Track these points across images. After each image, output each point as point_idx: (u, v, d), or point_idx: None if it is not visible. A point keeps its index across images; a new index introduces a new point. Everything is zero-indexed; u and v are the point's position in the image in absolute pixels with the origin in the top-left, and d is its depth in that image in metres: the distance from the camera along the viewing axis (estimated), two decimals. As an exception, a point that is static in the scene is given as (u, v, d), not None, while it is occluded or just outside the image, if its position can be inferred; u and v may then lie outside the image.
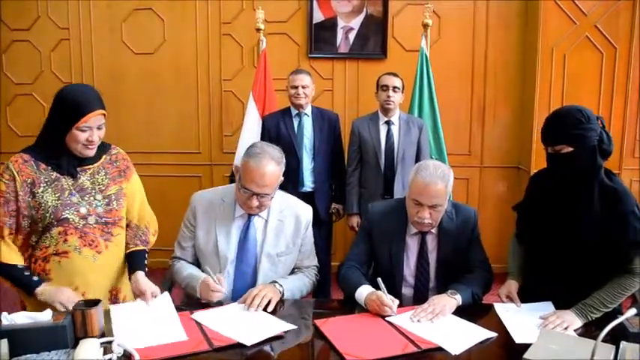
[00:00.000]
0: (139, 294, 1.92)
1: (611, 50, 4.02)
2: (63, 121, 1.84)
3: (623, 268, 1.86)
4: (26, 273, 1.87)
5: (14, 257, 1.87)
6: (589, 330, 1.77)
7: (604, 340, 1.32)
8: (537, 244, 2.01)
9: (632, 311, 1.49)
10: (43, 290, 1.83)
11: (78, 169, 1.93)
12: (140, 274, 1.99)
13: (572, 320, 1.79)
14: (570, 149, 1.83)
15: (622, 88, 4.05)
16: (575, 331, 1.76)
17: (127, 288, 2.08)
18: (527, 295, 2.00)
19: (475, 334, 1.73)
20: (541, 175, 2.10)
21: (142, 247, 2.09)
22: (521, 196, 2.17)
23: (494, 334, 1.72)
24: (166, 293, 1.94)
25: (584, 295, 1.86)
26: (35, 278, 1.86)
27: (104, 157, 2.01)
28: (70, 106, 1.83)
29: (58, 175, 1.89)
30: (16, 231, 1.87)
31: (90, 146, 1.89)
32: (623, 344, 1.49)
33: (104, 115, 1.90)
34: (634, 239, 1.81)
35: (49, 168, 1.88)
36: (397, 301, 1.88)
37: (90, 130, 1.86)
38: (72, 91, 1.90)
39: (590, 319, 1.81)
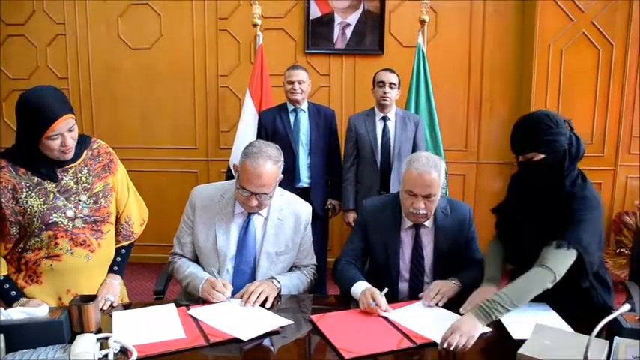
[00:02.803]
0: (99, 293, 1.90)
1: (608, 47, 4.03)
2: (29, 133, 1.74)
3: (539, 262, 1.78)
4: (6, 286, 1.85)
5: None
6: (583, 325, 1.76)
7: (598, 336, 1.33)
8: (518, 244, 1.98)
9: (626, 307, 1.50)
10: (18, 304, 1.82)
11: (59, 169, 1.85)
12: (110, 277, 2.01)
13: (471, 328, 1.64)
14: (542, 156, 1.80)
15: (618, 84, 4.07)
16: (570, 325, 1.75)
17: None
18: None
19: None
20: (519, 175, 2.04)
21: (123, 244, 2.08)
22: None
23: (489, 330, 1.72)
24: (172, 305, 1.88)
25: (568, 292, 1.82)
26: (13, 293, 1.85)
27: (85, 152, 1.93)
28: (33, 117, 1.72)
29: (40, 179, 1.82)
30: (3, 238, 1.83)
31: (67, 151, 1.80)
32: (617, 339, 1.50)
33: (72, 117, 1.79)
34: (566, 240, 1.76)
35: (29, 173, 1.81)
36: (389, 308, 1.86)
37: (61, 137, 1.76)
38: (31, 100, 1.74)
39: (493, 318, 1.71)
